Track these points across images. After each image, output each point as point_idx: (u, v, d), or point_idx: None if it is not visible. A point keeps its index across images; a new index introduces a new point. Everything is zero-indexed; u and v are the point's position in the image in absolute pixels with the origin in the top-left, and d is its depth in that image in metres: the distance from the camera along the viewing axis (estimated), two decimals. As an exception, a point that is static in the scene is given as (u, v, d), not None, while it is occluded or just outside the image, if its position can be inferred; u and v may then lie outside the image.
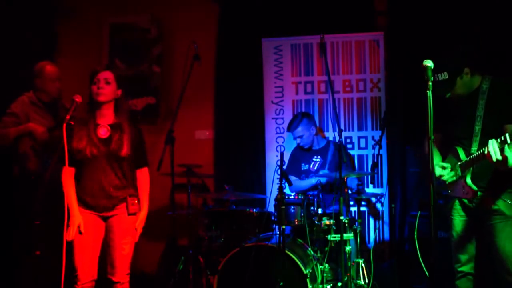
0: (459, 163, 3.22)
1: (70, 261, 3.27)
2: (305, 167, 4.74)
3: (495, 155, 2.82)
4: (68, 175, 3.32)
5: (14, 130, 4.03)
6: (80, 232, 3.27)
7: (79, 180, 3.35)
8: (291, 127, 4.70)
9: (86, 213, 3.34)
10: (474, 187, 3.12)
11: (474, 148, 3.15)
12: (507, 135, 2.77)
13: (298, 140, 4.70)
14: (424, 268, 3.27)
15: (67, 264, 3.13)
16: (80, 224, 3.28)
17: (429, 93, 2.70)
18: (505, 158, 2.82)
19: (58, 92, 4.27)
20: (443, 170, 3.26)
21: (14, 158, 4.10)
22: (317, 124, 4.96)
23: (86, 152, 3.27)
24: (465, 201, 3.27)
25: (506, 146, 2.80)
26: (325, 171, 4.54)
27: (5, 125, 4.06)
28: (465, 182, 3.15)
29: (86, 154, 3.28)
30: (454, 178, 3.24)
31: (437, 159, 3.31)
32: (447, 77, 3.11)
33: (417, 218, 3.45)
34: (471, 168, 3.14)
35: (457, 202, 3.30)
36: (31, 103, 4.15)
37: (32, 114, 4.10)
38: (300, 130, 4.64)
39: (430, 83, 2.72)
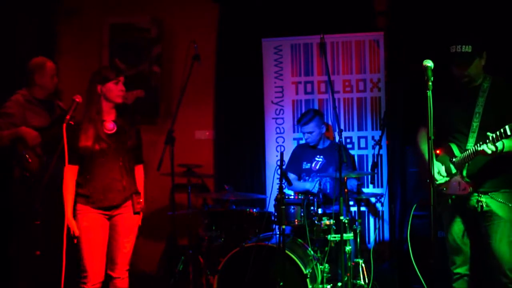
0: (453, 159, 3.23)
1: (72, 262, 3.27)
2: (306, 165, 4.72)
3: (489, 148, 2.97)
4: (70, 174, 3.34)
5: (7, 133, 3.92)
6: (74, 235, 3.28)
7: (87, 177, 3.36)
8: (302, 121, 4.66)
9: (93, 212, 3.35)
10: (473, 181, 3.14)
11: (470, 145, 3.17)
12: (507, 127, 2.86)
13: (306, 136, 4.67)
14: (416, 269, 3.27)
15: (67, 264, 3.14)
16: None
17: (429, 93, 2.71)
18: (496, 148, 2.96)
19: (55, 87, 4.24)
20: (440, 176, 3.27)
21: (14, 159, 4.05)
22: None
23: (94, 147, 3.31)
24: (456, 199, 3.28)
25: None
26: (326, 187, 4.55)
27: None
28: (462, 178, 3.16)
29: (94, 149, 3.31)
30: (448, 178, 3.25)
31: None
32: (470, 50, 3.13)
33: (410, 219, 3.45)
34: (466, 165, 3.15)
35: (449, 201, 3.31)
36: (26, 101, 4.05)
37: (29, 114, 4.02)
38: (311, 126, 4.62)
39: (430, 83, 2.73)
